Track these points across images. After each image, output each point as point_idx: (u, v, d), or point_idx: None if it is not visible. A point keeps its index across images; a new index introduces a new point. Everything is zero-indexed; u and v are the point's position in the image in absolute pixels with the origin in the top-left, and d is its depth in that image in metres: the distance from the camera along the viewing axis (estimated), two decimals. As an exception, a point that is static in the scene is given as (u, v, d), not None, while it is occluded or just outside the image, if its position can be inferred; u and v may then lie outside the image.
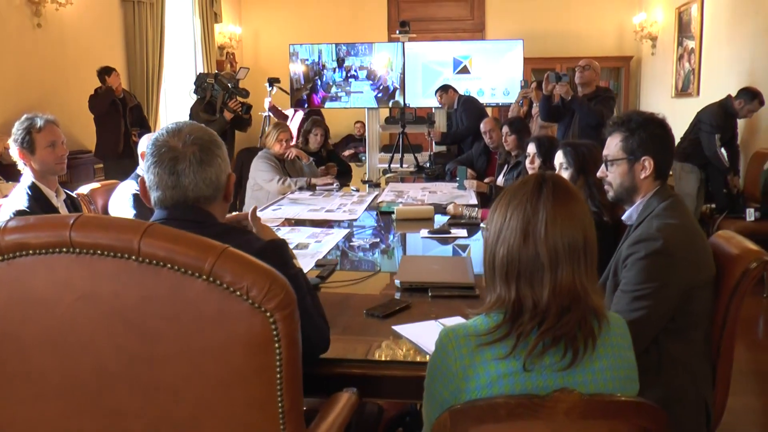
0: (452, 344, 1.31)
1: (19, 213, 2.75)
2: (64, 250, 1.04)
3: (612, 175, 2.26)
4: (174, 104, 7.55)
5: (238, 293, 1.05)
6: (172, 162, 1.46)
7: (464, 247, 3.09)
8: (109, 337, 1.08)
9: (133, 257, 1.04)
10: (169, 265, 1.04)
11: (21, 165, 2.92)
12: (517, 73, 6.90)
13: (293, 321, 1.08)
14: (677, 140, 5.29)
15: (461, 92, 6.86)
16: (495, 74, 6.85)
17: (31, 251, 1.05)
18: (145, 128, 6.54)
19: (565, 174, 2.86)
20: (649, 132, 2.10)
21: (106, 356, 1.09)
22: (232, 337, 1.07)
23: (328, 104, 7.01)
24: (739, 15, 6.38)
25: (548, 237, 1.28)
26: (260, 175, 4.90)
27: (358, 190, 4.84)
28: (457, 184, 4.92)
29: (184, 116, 7.92)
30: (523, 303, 1.29)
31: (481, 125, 5.67)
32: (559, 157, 2.91)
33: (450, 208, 3.85)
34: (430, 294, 2.23)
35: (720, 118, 5.44)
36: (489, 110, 7.03)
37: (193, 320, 1.07)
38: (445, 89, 6.31)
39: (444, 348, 1.32)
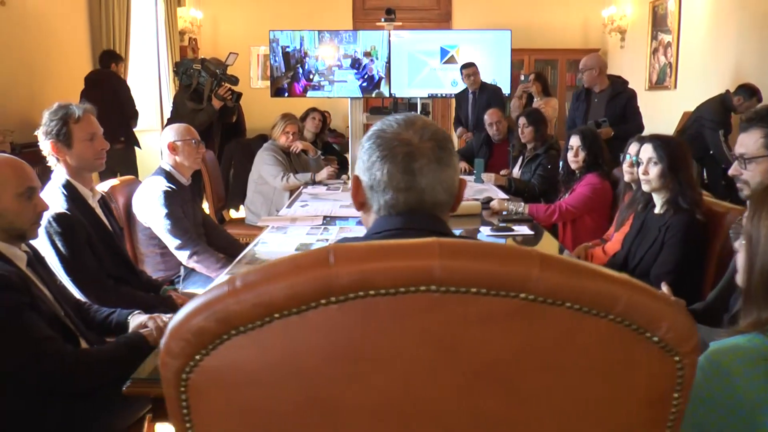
0: (739, 369, 1.12)
1: (58, 217, 2.38)
2: (422, 288, 0.77)
3: (750, 174, 2.11)
4: (139, 91, 7.01)
5: (648, 335, 0.80)
6: (408, 158, 1.18)
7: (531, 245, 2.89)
8: (466, 400, 0.82)
9: (522, 295, 0.78)
10: (568, 304, 0.78)
11: (52, 161, 2.53)
12: (505, 64, 6.75)
13: (695, 365, 0.84)
14: (672, 134, 5.25)
15: (448, 82, 6.68)
16: (483, 64, 6.66)
17: (373, 291, 0.77)
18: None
19: (655, 169, 2.69)
20: None
21: (457, 425, 0.82)
22: (626, 388, 0.83)
23: (310, 93, 6.68)
24: (721, 10, 6.42)
25: None
26: (266, 169, 4.57)
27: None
28: (473, 178, 4.73)
29: (151, 104, 7.43)
30: None
31: (486, 116, 5.50)
32: (648, 152, 2.73)
33: (495, 203, 3.65)
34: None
35: (720, 114, 5.44)
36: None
37: (583, 371, 0.82)
38: (477, 67, 6.01)
39: (727, 373, 1.13)
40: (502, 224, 3.26)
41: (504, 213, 3.53)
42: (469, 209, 3.56)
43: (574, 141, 3.76)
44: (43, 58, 5.68)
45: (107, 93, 5.44)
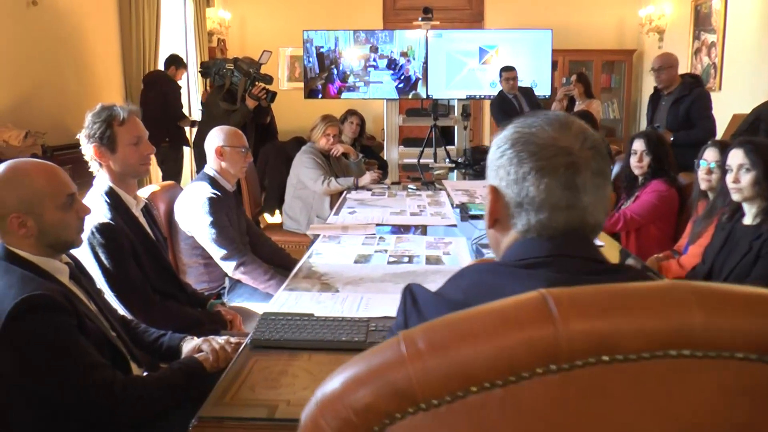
0: None
1: (101, 227, 2.19)
2: (672, 352, 0.56)
3: None
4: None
5: None
6: (571, 171, 0.96)
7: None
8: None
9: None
10: None
11: (94, 166, 2.34)
12: (545, 65, 6.51)
13: None
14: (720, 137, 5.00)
15: (487, 83, 6.46)
16: (522, 65, 6.43)
17: (608, 356, 0.55)
18: None
19: (748, 177, 2.46)
20: None
21: None
22: None
23: (345, 95, 6.47)
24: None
25: None
26: (305, 173, 4.37)
27: (417, 189, 4.35)
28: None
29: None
30: None
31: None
32: (738, 157, 2.50)
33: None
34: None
35: (783, 117, 5.17)
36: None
37: None
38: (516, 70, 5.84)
39: None
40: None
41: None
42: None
43: (638, 145, 3.53)
44: (74, 58, 5.53)
45: (158, 94, 5.73)
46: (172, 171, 5.83)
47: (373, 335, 1.74)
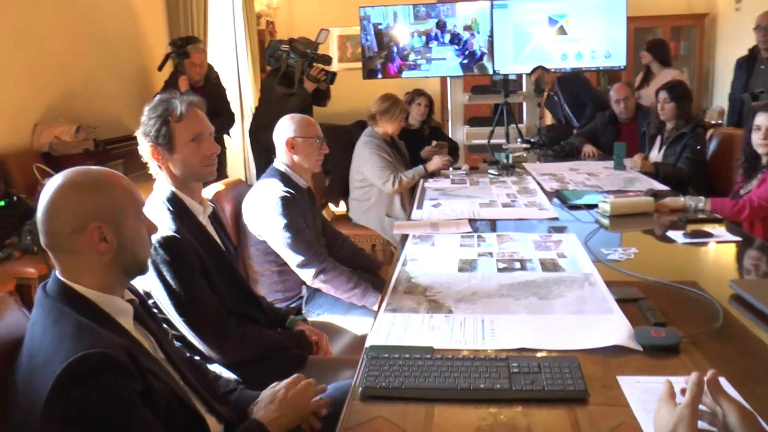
0: None
1: (165, 242, 1.84)
2: None
3: None
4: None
5: None
6: None
7: None
8: None
9: None
10: None
11: (153, 167, 2.00)
12: (620, 34, 5.97)
13: None
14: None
15: (558, 55, 5.98)
16: (595, 35, 5.92)
17: None
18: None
19: None
20: None
21: None
22: None
23: (405, 73, 6.05)
24: None
25: None
26: (371, 172, 3.99)
27: (499, 175, 3.93)
28: (612, 164, 4.05)
29: (229, 91, 6.94)
30: None
31: (612, 92, 4.84)
32: None
33: (667, 198, 2.98)
34: None
35: None
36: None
37: None
38: (545, 69, 5.43)
39: None
40: (683, 221, 2.67)
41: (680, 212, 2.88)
42: (640, 206, 2.90)
43: (762, 120, 3.05)
44: (123, 49, 5.26)
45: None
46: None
47: (517, 380, 1.36)
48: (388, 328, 1.69)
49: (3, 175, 3.85)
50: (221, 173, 5.54)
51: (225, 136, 5.56)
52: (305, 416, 1.55)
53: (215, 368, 1.87)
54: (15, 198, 3.67)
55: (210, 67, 5.43)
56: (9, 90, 4.05)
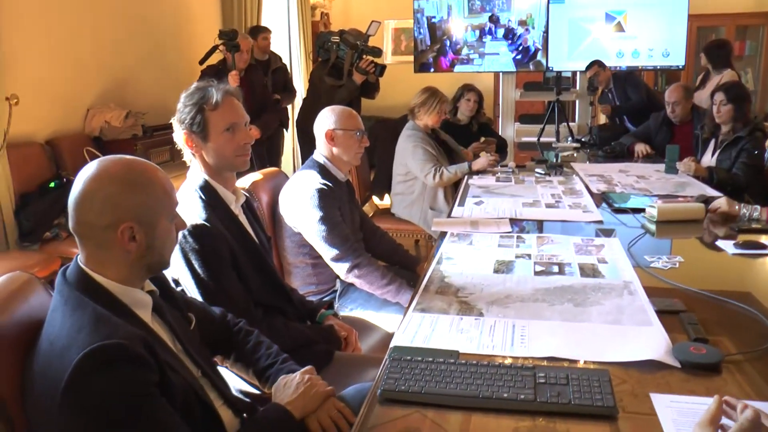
0: None
1: (195, 230, 1.83)
2: None
3: None
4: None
5: None
6: None
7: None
8: None
9: None
10: None
11: (187, 155, 1.99)
12: (680, 32, 5.77)
13: None
14: None
15: (614, 53, 5.82)
16: (653, 33, 5.74)
17: None
18: (288, 91, 5.79)
19: None
20: None
21: None
22: None
23: (458, 68, 5.97)
24: None
25: None
26: (414, 165, 3.93)
27: (546, 174, 3.83)
28: (664, 167, 3.91)
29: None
30: None
31: (667, 94, 4.67)
32: None
33: (721, 205, 2.84)
34: None
35: None
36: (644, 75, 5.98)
37: None
38: (602, 65, 5.30)
39: None
40: (735, 230, 2.54)
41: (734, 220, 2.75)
42: (689, 212, 2.78)
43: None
44: (174, 36, 5.32)
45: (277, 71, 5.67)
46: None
47: (542, 391, 1.29)
48: (414, 328, 1.64)
49: (54, 157, 3.93)
50: (276, 162, 5.59)
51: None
52: (322, 399, 1.52)
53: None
54: (65, 180, 3.74)
55: (274, 54, 5.69)
56: (67, 76, 4.13)
